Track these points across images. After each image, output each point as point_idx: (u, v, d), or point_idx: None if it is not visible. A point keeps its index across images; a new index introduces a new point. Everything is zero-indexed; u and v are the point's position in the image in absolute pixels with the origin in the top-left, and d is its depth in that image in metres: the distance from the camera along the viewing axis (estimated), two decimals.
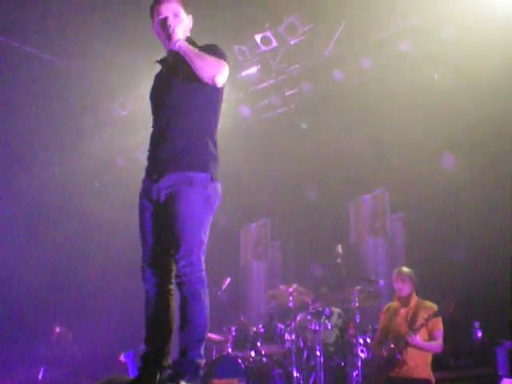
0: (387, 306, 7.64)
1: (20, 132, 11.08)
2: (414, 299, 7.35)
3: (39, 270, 11.26)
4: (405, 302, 7.37)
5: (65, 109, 11.21)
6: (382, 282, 8.49)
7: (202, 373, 3.92)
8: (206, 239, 4.00)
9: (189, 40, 4.19)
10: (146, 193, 4.10)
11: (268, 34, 10.01)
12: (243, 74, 11.02)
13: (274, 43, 10.13)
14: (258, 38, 10.12)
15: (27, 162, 11.29)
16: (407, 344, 6.91)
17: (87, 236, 12.04)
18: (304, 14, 9.75)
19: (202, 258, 3.97)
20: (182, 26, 4.15)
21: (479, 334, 7.90)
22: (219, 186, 4.12)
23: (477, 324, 7.94)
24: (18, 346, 10.85)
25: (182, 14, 4.18)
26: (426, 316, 7.00)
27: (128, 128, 11.76)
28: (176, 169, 3.98)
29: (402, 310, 7.34)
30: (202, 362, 3.91)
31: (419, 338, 6.91)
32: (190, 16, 4.26)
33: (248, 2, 9.33)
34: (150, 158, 4.16)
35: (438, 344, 7.05)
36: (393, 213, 10.36)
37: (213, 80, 3.97)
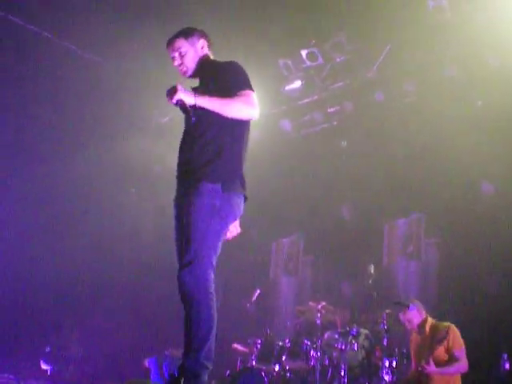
0: (412, 335, 7.58)
1: (62, 130, 11.18)
2: (429, 324, 7.26)
3: (66, 270, 11.30)
4: (420, 330, 7.30)
5: (104, 111, 11.30)
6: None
7: (204, 379, 3.97)
8: (215, 249, 4.08)
9: (204, 61, 4.49)
10: (175, 199, 4.34)
11: (314, 50, 10.05)
12: (287, 88, 11.06)
13: (320, 60, 10.16)
14: (303, 53, 10.17)
15: (64, 160, 11.33)
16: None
17: (117, 241, 12.05)
18: (351, 33, 9.77)
19: (208, 268, 4.02)
20: (189, 58, 4.48)
21: (507, 366, 7.78)
22: (235, 199, 4.19)
23: (505, 356, 7.83)
24: (27, 340, 10.93)
25: (186, 47, 4.49)
26: (438, 337, 6.90)
27: (166, 135, 11.81)
28: (187, 179, 4.18)
29: (419, 338, 7.28)
30: (202, 368, 3.96)
31: (433, 365, 6.73)
32: (201, 40, 4.56)
33: (295, 17, 9.36)
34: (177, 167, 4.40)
35: (460, 364, 6.85)
36: (428, 238, 10.27)
37: (249, 119, 4.25)
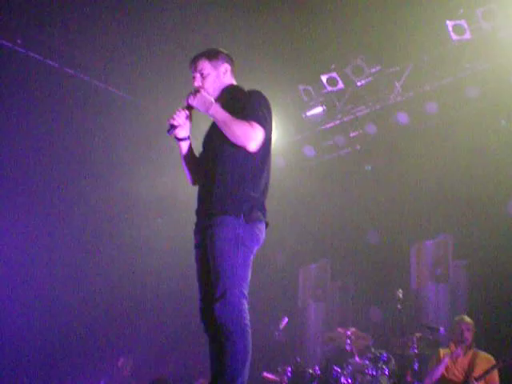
0: (442, 352, 7.54)
1: (102, 152, 11.25)
2: (472, 349, 7.34)
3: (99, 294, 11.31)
4: (463, 351, 7.34)
5: (137, 142, 11.41)
6: (442, 329, 8.29)
7: None
8: (245, 279, 4.02)
9: (225, 86, 4.41)
10: (195, 233, 4.27)
11: (334, 74, 10.07)
12: (308, 113, 11.09)
13: (340, 84, 10.18)
14: (324, 78, 10.19)
15: (96, 180, 11.39)
16: None
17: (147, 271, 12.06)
18: (371, 55, 9.79)
19: (242, 298, 3.97)
20: (209, 81, 4.37)
21: None
22: (258, 226, 4.12)
23: None
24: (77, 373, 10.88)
25: (208, 69, 4.39)
26: (485, 368, 6.91)
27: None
28: (208, 212, 4.10)
29: (460, 359, 7.29)
30: None
31: None
32: (225, 64, 4.45)
33: (314, 43, 9.40)
34: (197, 200, 4.33)
35: None
36: (456, 259, 10.16)
37: (244, 147, 4.08)
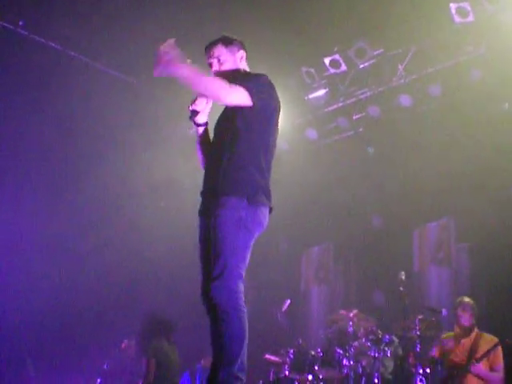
0: (445, 334, 7.63)
1: (104, 135, 11.24)
2: (475, 331, 7.37)
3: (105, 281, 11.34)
4: (466, 332, 7.39)
5: (135, 123, 11.38)
6: (444, 311, 8.31)
7: None
8: (244, 261, 4.04)
9: (240, 71, 4.41)
10: (199, 213, 4.32)
11: (337, 57, 10.04)
12: (311, 96, 11.06)
13: (343, 67, 10.15)
14: (326, 60, 10.17)
15: (94, 170, 11.38)
16: (467, 373, 6.91)
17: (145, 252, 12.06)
18: (374, 38, 9.75)
19: (238, 280, 3.98)
20: (227, 67, 4.39)
21: None
22: (261, 210, 4.14)
23: None
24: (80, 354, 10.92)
25: (225, 55, 4.42)
26: (488, 348, 6.96)
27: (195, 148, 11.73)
28: (212, 194, 4.14)
29: (463, 341, 7.36)
30: (236, 381, 3.91)
31: (482, 367, 6.94)
32: (241, 51, 4.49)
33: (317, 25, 9.36)
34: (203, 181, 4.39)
35: (498, 375, 7.05)
36: (459, 242, 10.18)
37: (218, 99, 4.11)
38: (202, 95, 4.27)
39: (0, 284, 10.61)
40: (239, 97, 4.06)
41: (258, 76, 4.28)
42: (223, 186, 4.09)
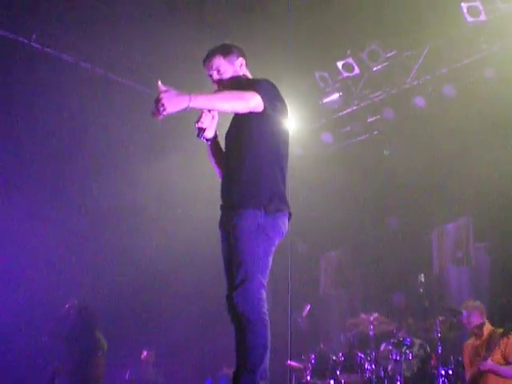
0: (467, 342, 7.56)
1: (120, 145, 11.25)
2: (487, 329, 7.29)
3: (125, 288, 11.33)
4: (477, 333, 7.33)
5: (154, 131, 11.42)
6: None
7: None
8: (265, 268, 4.05)
9: (242, 78, 4.39)
10: (219, 226, 4.31)
11: (350, 60, 10.04)
12: (325, 100, 11.07)
13: (357, 70, 10.15)
14: (339, 64, 10.17)
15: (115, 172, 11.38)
16: (483, 372, 6.77)
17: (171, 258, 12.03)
18: (386, 40, 9.74)
19: (260, 287, 3.99)
20: (227, 77, 4.35)
21: None
22: (280, 218, 4.14)
23: None
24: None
25: (224, 65, 4.37)
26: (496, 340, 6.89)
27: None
28: (228, 207, 4.17)
29: (477, 343, 7.29)
30: None
31: (491, 362, 6.74)
32: (240, 58, 4.44)
33: (329, 29, 9.36)
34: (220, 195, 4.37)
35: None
36: (477, 242, 10.12)
37: (244, 108, 4.03)
38: (208, 112, 4.22)
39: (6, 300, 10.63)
40: (256, 100, 4.03)
41: (260, 80, 4.25)
42: (240, 198, 4.10)
